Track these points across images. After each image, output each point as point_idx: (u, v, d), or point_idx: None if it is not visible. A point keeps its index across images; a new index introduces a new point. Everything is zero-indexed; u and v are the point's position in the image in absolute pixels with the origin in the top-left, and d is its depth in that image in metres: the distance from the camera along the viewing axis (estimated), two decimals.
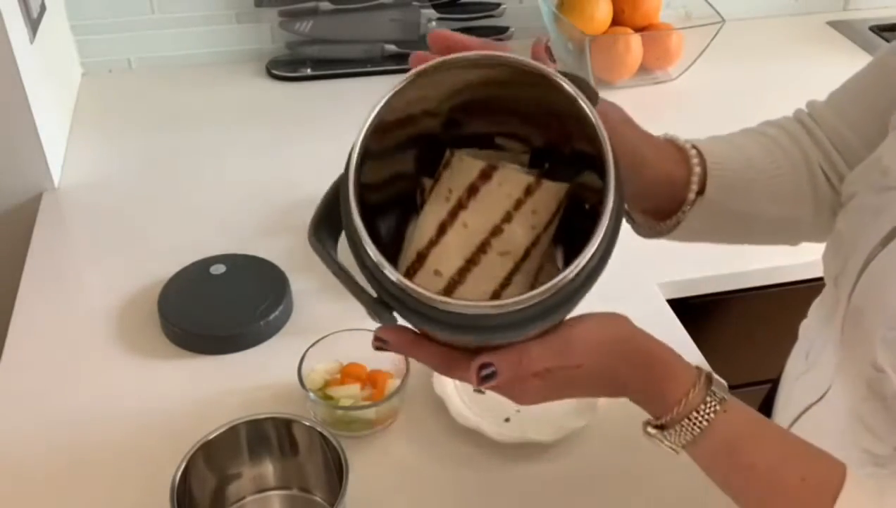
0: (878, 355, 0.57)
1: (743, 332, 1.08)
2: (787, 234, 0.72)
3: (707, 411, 0.54)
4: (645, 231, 0.69)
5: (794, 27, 1.57)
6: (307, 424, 0.70)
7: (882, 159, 0.62)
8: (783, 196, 0.68)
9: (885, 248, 0.58)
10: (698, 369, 0.57)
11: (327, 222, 0.53)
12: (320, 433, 0.69)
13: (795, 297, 1.04)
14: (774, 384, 0.80)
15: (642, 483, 0.75)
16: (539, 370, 0.52)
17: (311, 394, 0.76)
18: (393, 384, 0.78)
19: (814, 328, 0.71)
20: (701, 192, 0.64)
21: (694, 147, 0.65)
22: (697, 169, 0.64)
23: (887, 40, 1.51)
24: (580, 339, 0.53)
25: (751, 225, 0.69)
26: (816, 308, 0.73)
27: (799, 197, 0.68)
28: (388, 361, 0.80)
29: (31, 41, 1.07)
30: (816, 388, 0.66)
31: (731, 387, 0.84)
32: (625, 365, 0.55)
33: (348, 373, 0.80)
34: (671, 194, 0.65)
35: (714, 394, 0.55)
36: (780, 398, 0.76)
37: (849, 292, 0.61)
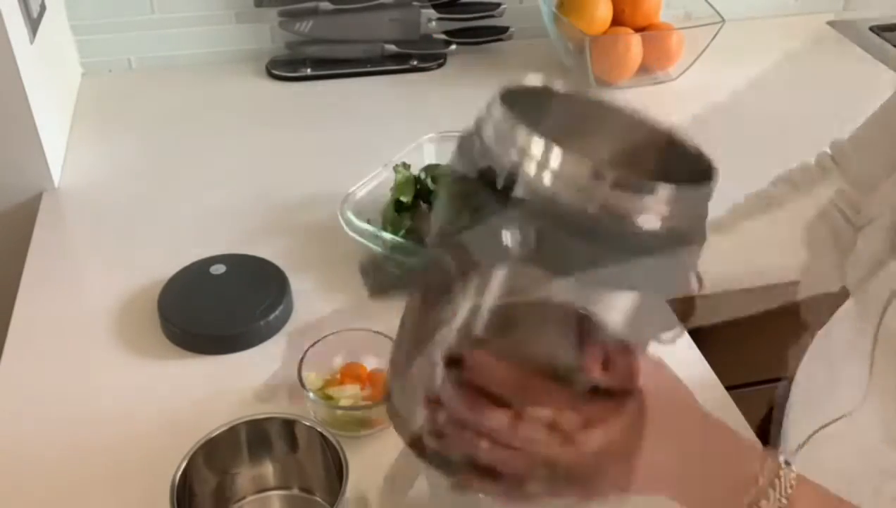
0: None
1: (743, 332, 1.08)
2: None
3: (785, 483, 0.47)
4: None
5: (794, 27, 1.57)
6: (307, 424, 0.70)
7: None
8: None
9: None
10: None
11: None
12: (320, 433, 0.69)
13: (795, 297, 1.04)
14: (780, 387, 0.79)
15: None
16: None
17: (311, 394, 0.76)
18: None
19: (837, 343, 0.69)
20: None
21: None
22: None
23: (887, 40, 1.51)
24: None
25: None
26: (840, 323, 0.71)
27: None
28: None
29: (31, 41, 1.07)
30: (841, 405, 0.64)
31: (731, 387, 0.85)
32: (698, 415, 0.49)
33: (348, 373, 0.80)
34: None
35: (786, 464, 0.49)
36: (794, 408, 0.74)
37: (879, 314, 0.60)
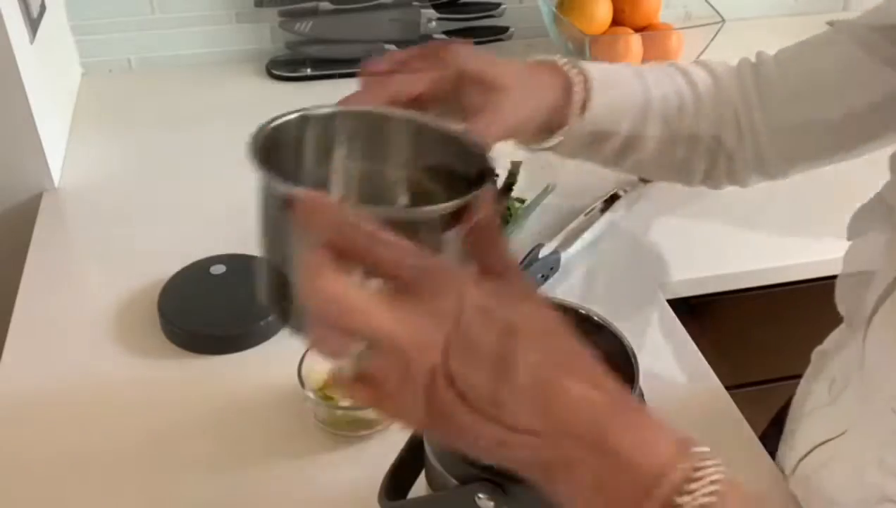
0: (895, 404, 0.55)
1: (743, 332, 1.08)
2: (680, 171, 0.74)
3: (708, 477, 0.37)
4: (528, 146, 0.70)
5: (794, 27, 1.57)
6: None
7: (886, 199, 0.61)
8: (677, 127, 0.70)
9: (890, 295, 0.56)
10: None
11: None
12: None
13: (796, 297, 1.04)
14: (785, 403, 0.79)
15: None
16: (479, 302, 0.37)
17: (311, 394, 0.76)
18: None
19: (834, 360, 0.69)
20: (582, 112, 0.66)
21: (580, 73, 0.67)
22: (579, 95, 0.66)
23: None
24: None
25: (636, 148, 0.71)
26: (836, 341, 0.71)
27: (700, 133, 0.71)
28: None
29: (31, 41, 1.07)
30: (837, 424, 0.64)
31: (731, 387, 0.85)
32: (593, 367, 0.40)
33: None
34: (554, 120, 0.67)
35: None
36: (791, 424, 0.74)
37: (862, 338, 0.60)
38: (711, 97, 0.72)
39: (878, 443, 0.58)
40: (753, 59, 0.75)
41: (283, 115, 0.54)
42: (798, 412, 0.73)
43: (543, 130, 0.68)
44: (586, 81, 0.67)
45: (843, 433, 0.63)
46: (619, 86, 0.70)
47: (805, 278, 1.02)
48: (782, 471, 0.73)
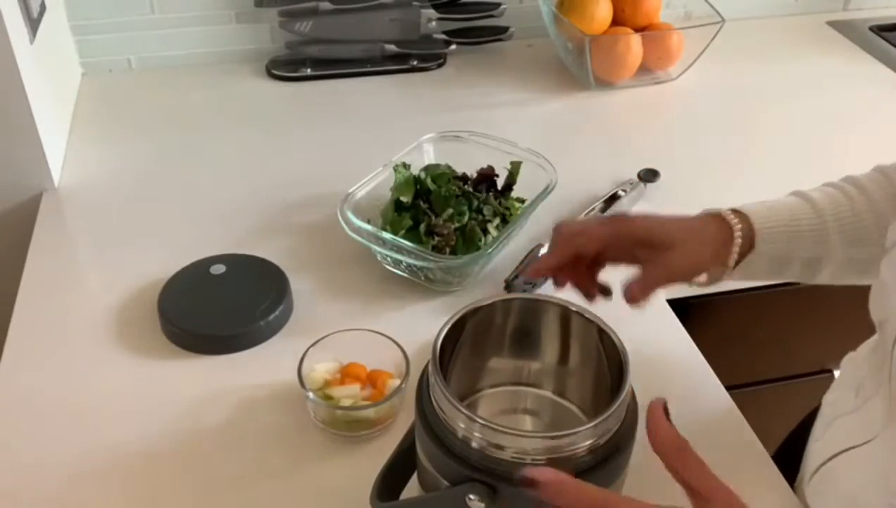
0: None
1: (743, 332, 1.08)
2: (856, 273, 0.73)
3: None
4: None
5: (794, 27, 1.57)
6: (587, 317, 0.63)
7: None
8: (844, 238, 0.71)
9: None
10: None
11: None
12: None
13: (796, 297, 1.04)
14: (811, 414, 0.79)
15: None
16: None
17: (311, 394, 0.76)
18: (393, 384, 0.78)
19: (864, 368, 0.69)
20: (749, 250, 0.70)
21: (737, 214, 0.72)
22: (738, 239, 0.70)
23: (887, 40, 1.51)
24: None
25: (823, 263, 0.72)
26: (870, 348, 0.71)
27: (863, 238, 0.70)
28: (389, 361, 0.80)
29: (31, 41, 1.07)
30: (863, 431, 0.65)
31: (731, 387, 0.85)
32: None
33: (348, 373, 0.80)
34: (718, 266, 0.72)
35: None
36: (818, 429, 0.75)
37: (892, 347, 0.60)
38: (881, 192, 0.72)
39: None
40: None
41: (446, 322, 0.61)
42: (823, 417, 0.74)
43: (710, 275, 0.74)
44: (748, 227, 0.71)
45: (870, 441, 0.64)
46: (782, 213, 0.73)
47: None
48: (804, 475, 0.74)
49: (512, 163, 1.00)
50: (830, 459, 0.68)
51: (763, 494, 0.74)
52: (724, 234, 0.71)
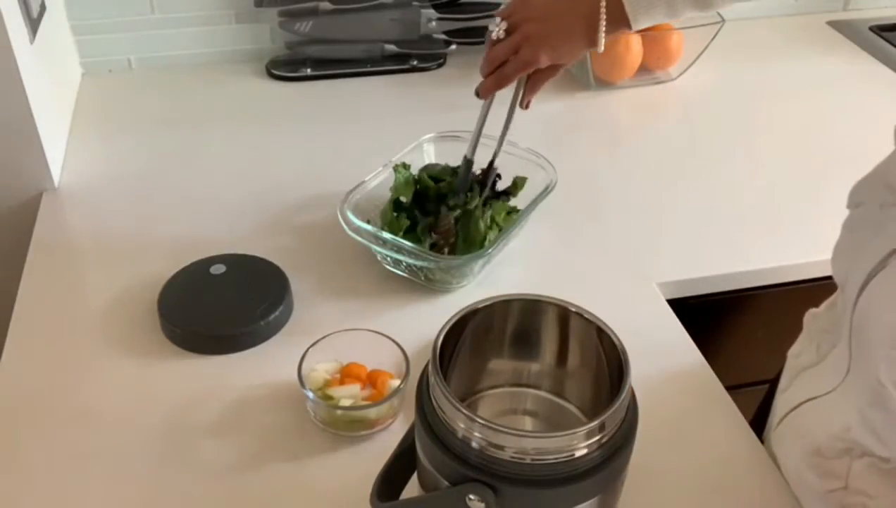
0: (880, 372, 0.58)
1: (743, 332, 1.08)
2: None
3: None
4: None
5: (794, 27, 1.57)
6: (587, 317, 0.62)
7: (887, 175, 0.62)
8: None
9: (884, 268, 0.58)
10: None
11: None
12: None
13: (796, 297, 1.04)
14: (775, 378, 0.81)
15: None
16: None
17: (311, 394, 0.76)
18: (393, 384, 0.78)
19: (825, 322, 0.72)
20: None
21: None
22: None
23: (887, 40, 1.51)
24: None
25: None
26: (829, 305, 0.74)
27: None
28: (389, 361, 0.80)
29: (31, 41, 1.07)
30: (824, 383, 0.67)
31: (731, 387, 0.85)
32: None
33: (348, 373, 0.80)
34: None
35: None
36: (784, 380, 0.77)
37: (852, 306, 0.62)
38: None
39: (864, 403, 0.61)
40: None
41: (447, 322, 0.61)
42: (788, 370, 0.76)
43: None
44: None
45: (830, 391, 0.66)
46: None
47: (805, 279, 1.02)
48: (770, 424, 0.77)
49: (517, 178, 1.00)
50: (795, 408, 0.71)
51: (764, 496, 0.74)
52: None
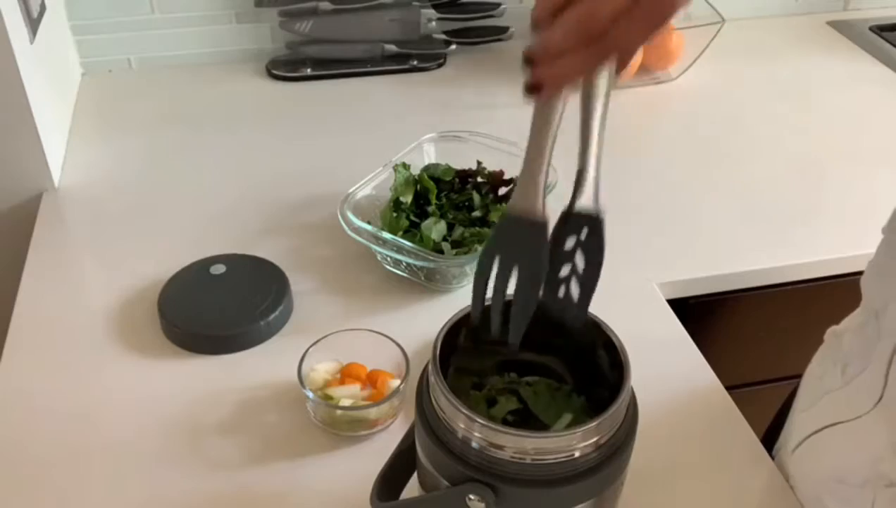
0: None
1: (743, 332, 1.08)
2: None
3: None
4: None
5: (794, 27, 1.57)
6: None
7: None
8: None
9: None
10: None
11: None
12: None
13: (796, 297, 1.04)
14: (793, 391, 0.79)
15: None
16: None
17: (311, 394, 0.76)
18: (393, 384, 0.78)
19: (852, 346, 0.69)
20: None
21: None
22: None
23: (887, 40, 1.51)
24: None
25: None
26: (855, 327, 0.70)
27: None
28: (389, 361, 0.80)
29: (31, 41, 1.07)
30: (851, 408, 0.65)
31: (731, 387, 0.85)
32: None
33: (348, 373, 0.80)
34: None
35: None
36: (803, 400, 0.74)
37: (880, 324, 0.60)
38: None
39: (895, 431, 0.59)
40: None
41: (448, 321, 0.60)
42: (809, 391, 0.74)
43: None
44: None
45: (857, 418, 0.64)
46: None
47: (805, 279, 1.02)
48: (785, 447, 0.74)
49: (517, 178, 1.00)
50: (817, 431, 0.69)
51: (764, 497, 0.74)
52: None
